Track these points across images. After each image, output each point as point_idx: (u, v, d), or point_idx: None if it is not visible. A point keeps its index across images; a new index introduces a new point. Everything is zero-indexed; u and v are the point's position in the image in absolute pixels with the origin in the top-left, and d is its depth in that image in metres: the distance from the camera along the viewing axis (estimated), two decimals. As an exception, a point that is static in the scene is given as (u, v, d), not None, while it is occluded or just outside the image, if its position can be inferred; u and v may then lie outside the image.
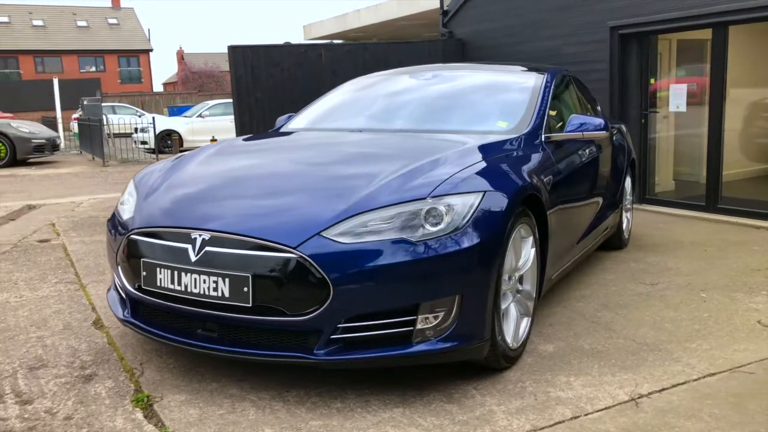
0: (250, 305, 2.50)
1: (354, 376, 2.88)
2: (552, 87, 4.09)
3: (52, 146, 14.02)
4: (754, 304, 4.01)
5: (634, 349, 3.26)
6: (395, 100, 4.23)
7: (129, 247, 2.85)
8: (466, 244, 2.56)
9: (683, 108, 7.59)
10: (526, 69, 4.42)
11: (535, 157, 3.38)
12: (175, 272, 2.62)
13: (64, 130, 19.46)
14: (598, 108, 5.57)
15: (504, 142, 3.39)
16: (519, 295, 3.11)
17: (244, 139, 3.81)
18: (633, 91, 7.93)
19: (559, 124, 3.99)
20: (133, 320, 2.90)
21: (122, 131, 18.30)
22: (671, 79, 8.00)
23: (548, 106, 3.87)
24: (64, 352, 3.20)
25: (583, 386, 2.83)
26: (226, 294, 2.52)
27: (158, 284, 2.68)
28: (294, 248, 2.46)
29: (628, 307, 3.94)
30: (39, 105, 29.20)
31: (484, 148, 3.21)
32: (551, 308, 3.91)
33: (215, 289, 2.53)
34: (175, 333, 2.74)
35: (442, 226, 2.57)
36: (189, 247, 2.62)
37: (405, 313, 2.52)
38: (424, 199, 2.63)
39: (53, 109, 22.74)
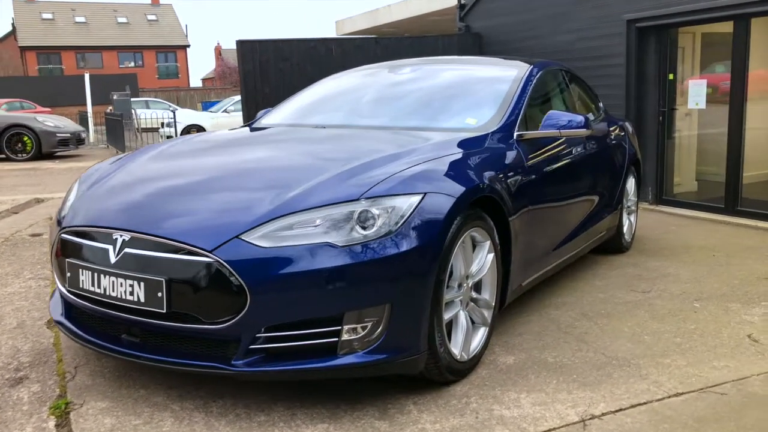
0: (165, 311, 2.36)
1: (290, 385, 2.72)
2: (534, 83, 3.86)
3: (77, 140, 14.23)
4: (749, 316, 3.73)
5: (601, 364, 3.03)
6: (368, 95, 4.05)
7: (60, 245, 2.76)
8: (397, 249, 2.38)
9: (702, 105, 7.24)
10: (512, 63, 4.19)
11: (500, 157, 3.17)
12: (95, 274, 2.51)
13: (96, 124, 19.78)
14: (600, 105, 5.30)
15: (466, 140, 3.19)
16: (473, 304, 2.92)
17: (199, 136, 3.68)
18: (650, 87, 7.58)
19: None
20: (64, 322, 2.80)
21: (152, 126, 18.51)
22: (695, 75, 7.63)
23: (526, 102, 3.65)
24: (5, 353, 3.13)
25: (532, 404, 2.62)
26: (142, 299, 2.39)
27: (80, 286, 2.58)
28: (210, 252, 2.32)
29: (610, 317, 3.70)
30: (78, 100, 29.85)
31: (438, 147, 3.01)
32: (526, 316, 3.70)
33: (131, 293, 2.41)
34: (101, 338, 2.62)
35: (373, 230, 2.40)
36: (110, 248, 2.50)
37: (329, 323, 2.35)
38: (357, 200, 2.45)
39: (93, 104, 23.23)
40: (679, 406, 2.63)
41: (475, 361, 2.91)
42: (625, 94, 7.69)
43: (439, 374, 2.67)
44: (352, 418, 2.49)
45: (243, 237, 2.34)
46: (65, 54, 42.99)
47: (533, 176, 3.39)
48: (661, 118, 7.60)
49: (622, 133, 5.21)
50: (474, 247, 2.91)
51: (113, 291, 2.45)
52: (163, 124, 17.31)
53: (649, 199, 7.69)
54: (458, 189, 2.66)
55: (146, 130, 18.87)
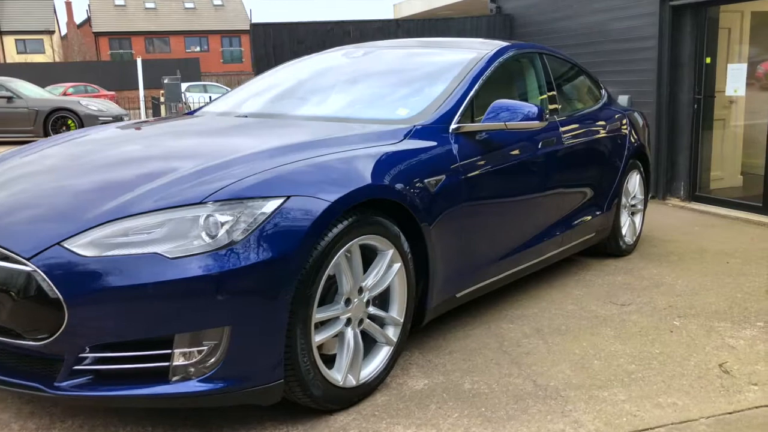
0: (-18, 323, 2.13)
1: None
2: (492, 68, 3.42)
3: (119, 124, 14.48)
4: (734, 339, 3.21)
5: (523, 394, 2.62)
6: (312, 81, 3.72)
7: None
8: (241, 263, 2.06)
9: (741, 92, 6.53)
10: (477, 46, 3.75)
11: (419, 153, 2.78)
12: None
13: (148, 107, 20.17)
14: (603, 93, 4.78)
15: (380, 133, 2.81)
16: (369, 321, 2.56)
17: (117, 127, 3.37)
18: (685, 72, 6.90)
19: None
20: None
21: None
22: (743, 59, 6.89)
23: (474, 91, 3.22)
24: None
25: (414, 443, 2.26)
26: (-36, 308, 2.16)
27: None
28: (27, 259, 2.06)
29: (566, 334, 3.26)
30: (144, 84, 30.71)
31: (339, 141, 2.65)
32: (469, 329, 3.30)
33: (-45, 301, 2.18)
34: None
35: (214, 239, 2.08)
36: None
37: (158, 345, 2.06)
38: (203, 203, 2.14)
39: (154, 87, 23.83)
40: (589, 455, 2.21)
41: (371, 387, 2.55)
42: (657, 79, 7.02)
43: (313, 403, 2.33)
44: (197, 450, 2.20)
45: (65, 244, 2.07)
46: (135, 39, 44.29)
47: (471, 175, 2.98)
48: (696, 105, 6.91)
49: (623, 125, 4.67)
50: (375, 255, 2.56)
51: (-59, 297, 2.24)
52: (208, 108, 17.46)
53: (680, 195, 7.04)
54: (337, 191, 2.30)
55: (195, 114, 19.09)
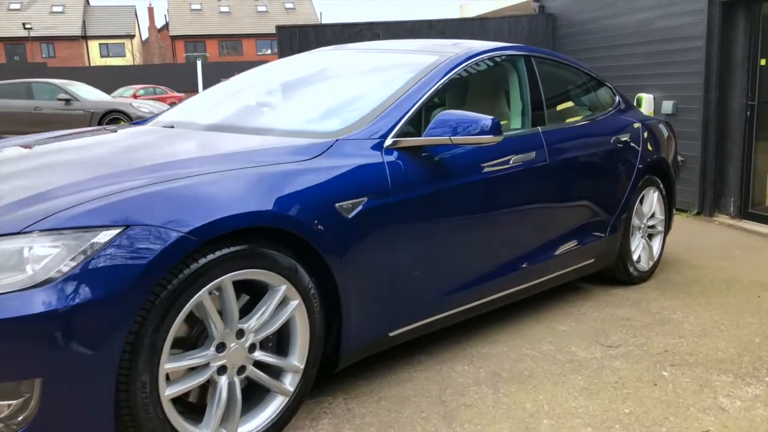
0: None
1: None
2: (447, 76, 2.93)
3: (170, 126, 14.69)
4: (730, 399, 2.67)
5: (438, 462, 2.21)
6: (256, 89, 3.39)
7: None
8: (55, 304, 1.74)
9: (798, 97, 5.79)
10: (440, 50, 3.27)
11: (334, 172, 2.39)
12: None
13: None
14: (616, 99, 4.24)
15: (292, 148, 2.44)
16: (254, 368, 2.20)
17: (33, 140, 3.10)
18: (736, 75, 6.18)
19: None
20: None
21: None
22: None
23: (423, 100, 2.78)
24: None
25: None
26: None
27: None
28: None
29: (526, 383, 2.80)
30: (204, 86, 31.52)
31: (227, 158, 2.30)
32: (416, 371, 2.89)
33: None
34: None
35: (29, 275, 1.78)
36: None
37: (-36, 396, 1.78)
38: (24, 233, 1.84)
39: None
40: None
41: (254, 444, 2.20)
42: (704, 83, 6.33)
43: (167, 464, 2.00)
44: None
45: None
46: (209, 42, 45.53)
47: (407, 197, 2.57)
48: (748, 112, 6.18)
49: (637, 136, 4.11)
50: (266, 292, 2.21)
51: None
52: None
53: (729, 212, 6.33)
54: (198, 219, 1.95)
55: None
